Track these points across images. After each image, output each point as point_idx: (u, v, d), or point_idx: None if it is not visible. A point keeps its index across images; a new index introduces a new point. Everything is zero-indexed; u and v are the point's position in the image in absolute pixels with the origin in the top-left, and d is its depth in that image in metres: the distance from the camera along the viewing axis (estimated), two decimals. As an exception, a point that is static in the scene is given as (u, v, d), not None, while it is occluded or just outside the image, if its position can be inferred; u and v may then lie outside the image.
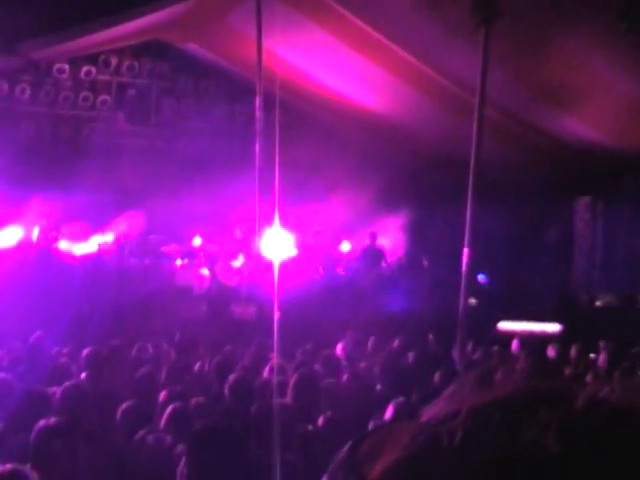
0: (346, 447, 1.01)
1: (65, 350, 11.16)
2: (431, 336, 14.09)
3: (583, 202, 20.22)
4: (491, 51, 11.94)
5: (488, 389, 0.97)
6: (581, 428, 0.89)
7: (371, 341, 12.55)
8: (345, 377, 8.93)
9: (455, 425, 0.92)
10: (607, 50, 14.63)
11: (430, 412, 0.99)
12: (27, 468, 4.48)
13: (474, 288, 12.57)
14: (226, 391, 7.69)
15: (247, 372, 9.27)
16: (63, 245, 18.03)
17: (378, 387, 8.31)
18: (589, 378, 9.78)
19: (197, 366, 9.89)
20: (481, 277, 12.79)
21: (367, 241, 19.73)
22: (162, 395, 7.48)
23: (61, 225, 18.11)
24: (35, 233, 17.73)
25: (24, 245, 17.61)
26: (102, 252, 18.25)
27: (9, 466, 4.36)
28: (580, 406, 0.91)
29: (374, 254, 19.39)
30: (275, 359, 9.31)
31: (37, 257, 17.25)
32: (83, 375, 8.88)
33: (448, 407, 0.97)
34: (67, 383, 7.46)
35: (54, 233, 17.94)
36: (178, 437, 6.13)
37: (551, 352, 12.44)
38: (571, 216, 20.38)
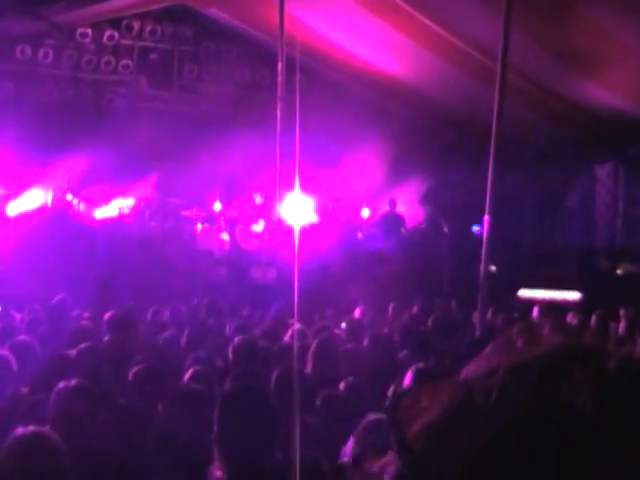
0: (387, 405, 1.03)
1: (86, 313, 11.19)
2: (453, 302, 14.06)
3: (604, 168, 20.05)
4: (513, 16, 11.78)
5: (523, 349, 0.98)
6: (613, 389, 0.89)
7: (391, 306, 12.53)
8: (366, 342, 8.89)
9: (492, 383, 0.93)
10: (631, 15, 14.45)
11: (467, 371, 1.00)
12: (48, 430, 4.48)
13: (494, 255, 12.47)
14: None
15: (267, 336, 9.26)
16: (83, 208, 18.04)
17: (399, 353, 8.26)
18: (609, 346, 9.71)
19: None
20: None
21: (387, 207, 19.68)
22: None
23: (77, 188, 18.10)
24: (50, 196, 17.72)
25: (44, 208, 17.63)
26: (123, 216, 18.26)
27: (31, 428, 4.36)
28: (612, 366, 0.91)
29: (394, 220, 19.33)
30: (295, 324, 9.29)
31: (53, 220, 17.26)
32: (106, 338, 8.87)
33: (485, 366, 0.98)
34: (85, 344, 7.47)
35: (71, 196, 17.93)
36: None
37: (572, 319, 12.37)
38: (592, 182, 20.22)
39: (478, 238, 12.05)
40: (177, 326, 9.91)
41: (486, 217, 11.81)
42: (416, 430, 0.94)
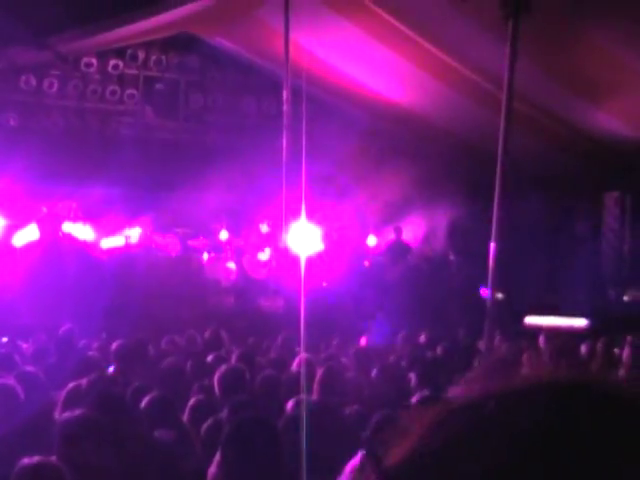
0: (366, 435, 1.01)
1: (94, 343, 11.22)
2: (461, 330, 14.07)
3: (612, 196, 20.08)
4: (521, 44, 11.86)
5: (509, 376, 0.96)
6: (589, 422, 0.87)
7: (400, 335, 12.54)
8: (374, 371, 8.88)
9: (474, 412, 0.91)
10: (638, 42, 14.52)
11: (452, 396, 0.99)
12: (54, 460, 4.50)
13: (501, 282, 12.50)
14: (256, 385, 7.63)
15: (274, 365, 9.27)
16: (89, 238, 18.08)
17: (408, 380, 8.26)
18: (619, 373, 9.71)
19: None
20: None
21: (392, 235, 19.70)
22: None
23: (83, 218, 18.12)
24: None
25: (50, 239, 17.65)
26: (129, 246, 18.31)
27: (36, 458, 4.38)
28: (592, 399, 0.90)
29: (400, 248, 19.35)
30: (302, 353, 9.31)
31: (59, 251, 17.26)
32: (111, 368, 8.89)
33: (470, 392, 0.96)
34: (94, 375, 7.48)
35: (77, 226, 17.94)
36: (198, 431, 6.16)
37: (582, 348, 12.35)
38: (600, 210, 20.25)
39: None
40: (183, 355, 9.92)
41: (492, 244, 11.85)
42: (396, 460, 0.92)
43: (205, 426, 6.26)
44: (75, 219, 18.03)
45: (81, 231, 18.05)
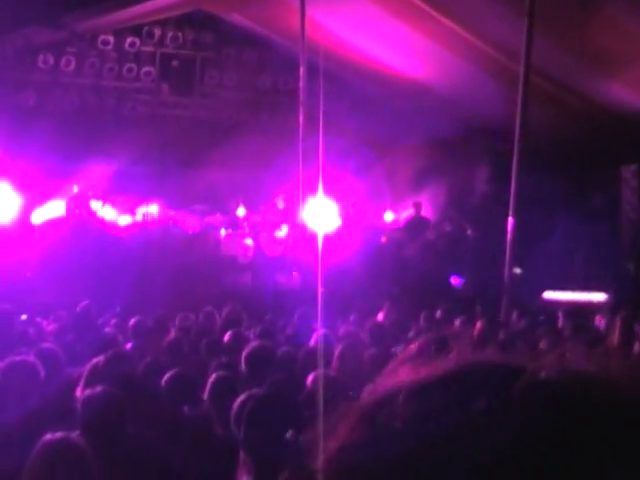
0: (290, 435, 0.97)
1: (112, 320, 11.28)
2: (478, 306, 14.06)
3: (630, 169, 20.00)
4: (536, 17, 11.81)
5: (426, 366, 0.94)
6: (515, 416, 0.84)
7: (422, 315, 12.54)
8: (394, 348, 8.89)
9: (390, 408, 0.89)
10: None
11: (368, 393, 0.97)
12: (76, 436, 4.55)
13: (519, 257, 12.50)
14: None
15: (291, 342, 9.30)
16: (107, 216, 18.16)
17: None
18: (636, 348, 9.70)
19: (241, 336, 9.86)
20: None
21: (411, 211, 19.67)
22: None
23: (101, 196, 18.22)
24: (65, 206, 17.78)
25: (68, 216, 17.76)
26: (147, 223, 18.37)
27: (59, 434, 4.43)
28: (519, 388, 0.86)
29: (419, 224, 19.32)
30: (320, 329, 9.34)
31: (77, 228, 17.36)
32: (129, 345, 8.95)
33: (384, 387, 0.94)
34: (112, 351, 7.54)
35: (95, 204, 18.03)
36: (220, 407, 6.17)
37: (599, 322, 12.35)
38: (618, 184, 20.16)
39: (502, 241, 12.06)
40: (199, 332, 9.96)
41: (510, 219, 11.85)
42: (321, 464, 0.90)
43: (238, 401, 6.30)
44: (93, 197, 18.12)
45: (99, 209, 18.14)
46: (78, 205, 17.81)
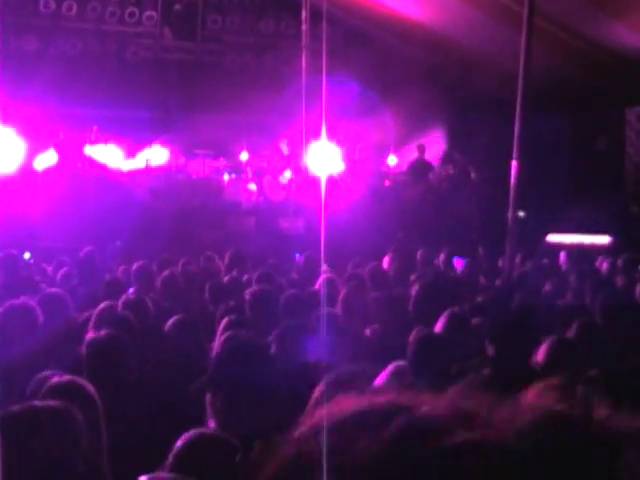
0: (236, 461, 0.94)
1: (115, 265, 11.28)
2: (481, 249, 14.07)
3: (634, 112, 19.88)
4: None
5: (354, 399, 0.92)
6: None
7: (419, 253, 12.55)
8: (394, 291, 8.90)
9: (314, 444, 0.87)
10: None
11: (302, 424, 0.94)
12: (82, 380, 4.56)
13: (523, 201, 12.45)
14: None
15: (294, 285, 9.31)
16: (110, 161, 18.09)
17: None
18: (638, 289, 9.71)
19: (245, 279, 9.84)
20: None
21: (415, 154, 19.60)
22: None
23: (103, 141, 18.11)
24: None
25: (71, 162, 17.70)
26: (150, 168, 18.32)
27: (66, 377, 4.45)
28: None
29: (422, 167, 19.26)
30: (324, 272, 9.35)
31: (80, 174, 17.32)
32: (131, 290, 8.94)
33: (312, 420, 0.92)
34: (127, 296, 7.60)
35: (97, 149, 17.96)
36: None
37: (602, 264, 12.35)
38: (622, 126, 20.06)
39: (505, 185, 12.02)
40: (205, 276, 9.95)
41: (514, 162, 11.79)
42: None
43: (218, 342, 6.32)
44: (96, 142, 18.05)
45: (102, 154, 18.07)
46: (66, 151, 17.66)
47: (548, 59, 16.24)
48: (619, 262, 11.94)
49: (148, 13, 20.11)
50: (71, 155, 17.65)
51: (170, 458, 3.58)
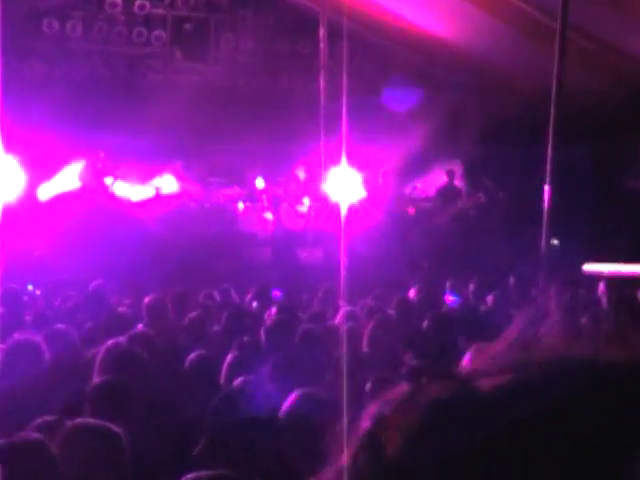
0: (368, 420, 0.90)
1: (126, 299, 11.25)
2: (512, 279, 13.96)
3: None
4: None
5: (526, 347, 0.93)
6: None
7: (448, 285, 12.49)
8: (426, 322, 8.82)
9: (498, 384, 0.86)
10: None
11: (470, 365, 0.95)
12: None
13: (557, 228, 12.37)
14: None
15: (315, 319, 9.24)
16: (119, 189, 18.11)
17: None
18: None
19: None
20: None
21: (445, 179, 19.53)
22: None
23: (112, 168, 18.15)
24: (84, 177, 17.72)
25: (78, 190, 17.72)
26: (160, 196, 18.31)
27: (92, 421, 4.47)
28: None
29: (452, 193, 19.17)
30: (345, 305, 9.27)
31: (87, 202, 17.35)
32: (140, 325, 8.89)
33: (493, 360, 0.93)
34: (131, 332, 7.55)
35: (106, 177, 17.99)
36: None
37: (640, 294, 12.23)
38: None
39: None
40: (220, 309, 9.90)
41: (546, 187, 11.71)
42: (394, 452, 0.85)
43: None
44: (104, 170, 18.06)
45: (111, 183, 18.08)
46: (92, 179, 17.75)
47: (579, 77, 16.17)
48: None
49: (157, 33, 20.14)
50: (95, 185, 17.73)
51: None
